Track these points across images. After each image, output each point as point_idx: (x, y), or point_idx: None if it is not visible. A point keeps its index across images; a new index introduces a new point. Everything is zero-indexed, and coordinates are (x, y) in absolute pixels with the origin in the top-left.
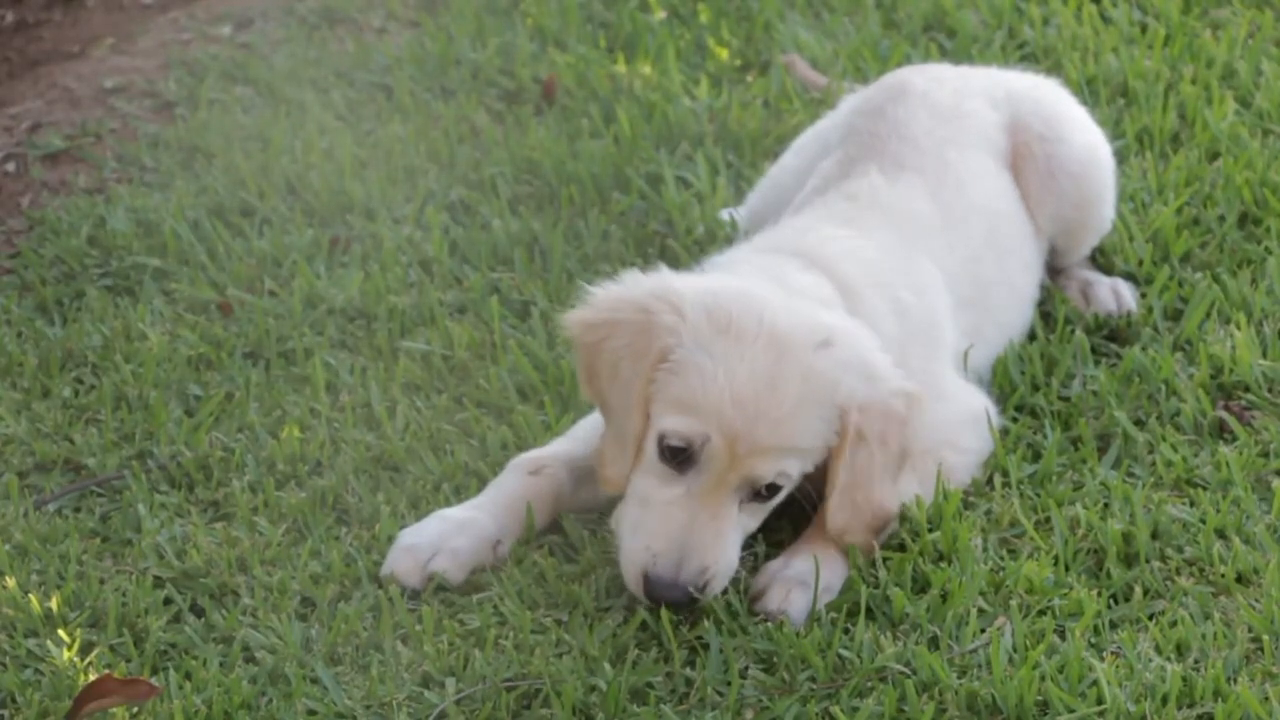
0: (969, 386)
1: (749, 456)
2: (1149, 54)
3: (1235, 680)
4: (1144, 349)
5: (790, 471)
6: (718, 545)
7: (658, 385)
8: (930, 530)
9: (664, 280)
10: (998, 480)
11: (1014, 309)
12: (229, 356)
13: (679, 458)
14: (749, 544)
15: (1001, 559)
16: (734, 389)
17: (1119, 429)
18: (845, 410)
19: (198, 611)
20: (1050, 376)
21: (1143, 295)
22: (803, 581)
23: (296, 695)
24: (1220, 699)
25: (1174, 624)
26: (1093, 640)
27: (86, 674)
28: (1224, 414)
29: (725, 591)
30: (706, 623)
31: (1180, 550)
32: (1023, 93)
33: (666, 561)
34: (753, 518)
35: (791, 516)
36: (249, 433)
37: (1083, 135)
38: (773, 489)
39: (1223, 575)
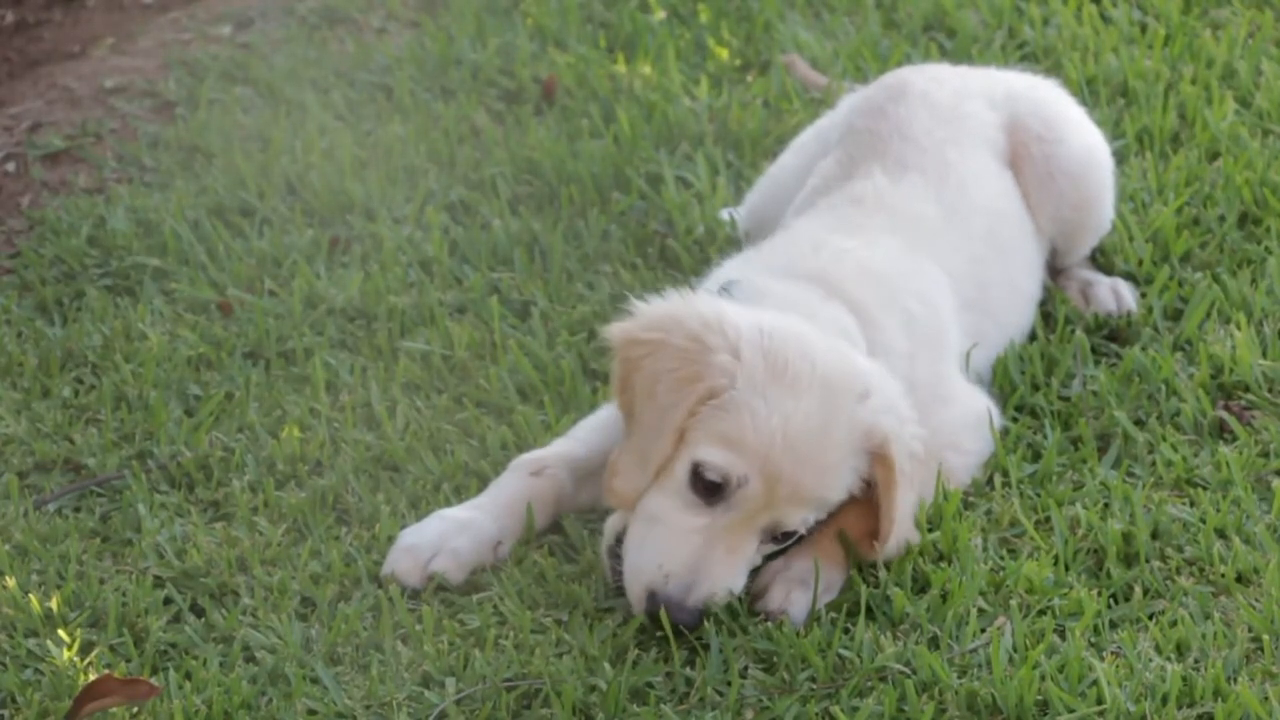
0: (972, 388)
1: (786, 503)
2: (1149, 54)
3: (1235, 680)
4: (1144, 349)
5: (812, 519)
6: (729, 576)
7: (702, 418)
8: (930, 530)
9: (718, 310)
10: (998, 480)
11: (1015, 309)
12: (229, 356)
13: (711, 491)
14: None
15: (1001, 559)
16: (786, 434)
17: (1119, 429)
18: (889, 454)
19: (198, 611)
20: (1050, 376)
21: (1143, 295)
22: (803, 581)
23: (296, 695)
24: (1220, 699)
25: (1174, 624)
26: (1093, 640)
27: (86, 674)
28: (1224, 414)
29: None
30: (706, 623)
31: (1180, 550)
32: (1021, 93)
33: (679, 584)
34: (760, 554)
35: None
36: (249, 433)
37: (1081, 136)
38: (790, 534)
39: (1223, 575)
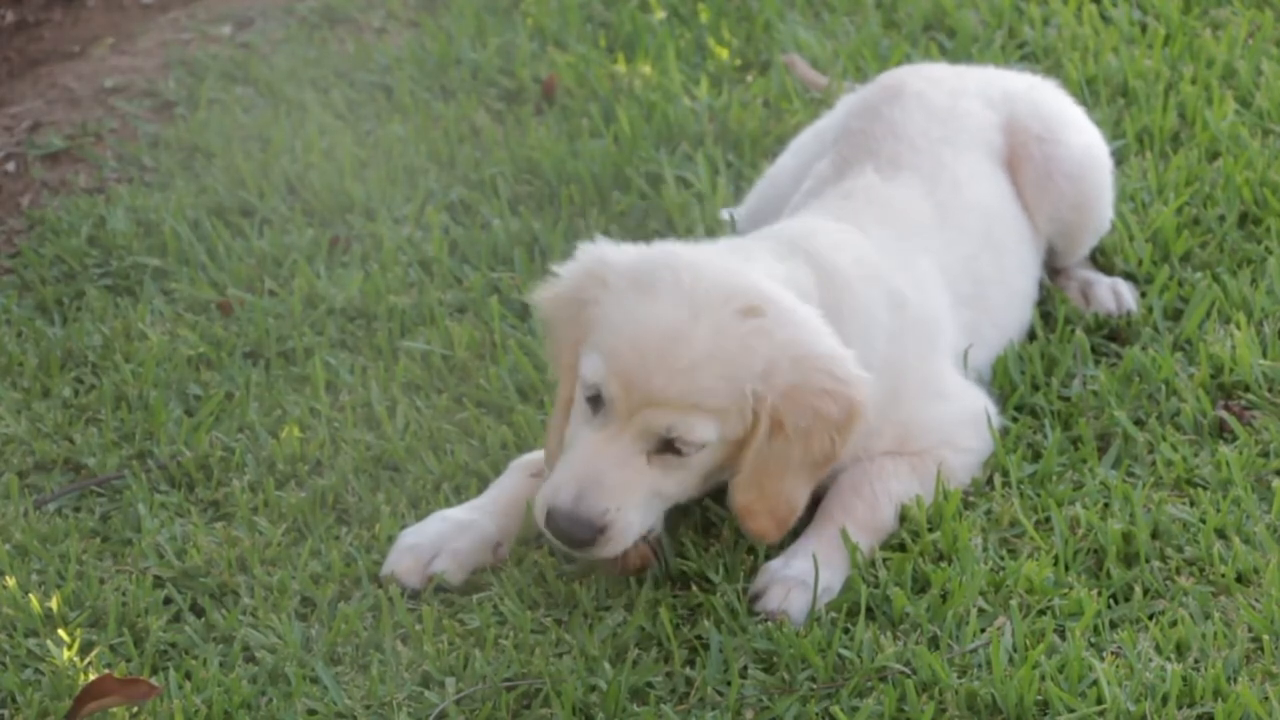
0: (970, 386)
1: (645, 406)
2: (1149, 54)
3: (1235, 680)
4: (1144, 349)
5: (697, 431)
6: (621, 491)
7: (583, 345)
8: (930, 530)
9: (599, 251)
10: (998, 480)
11: (1012, 309)
12: (229, 356)
13: (595, 404)
14: (749, 541)
15: (1001, 559)
16: (636, 335)
17: (1119, 429)
18: (761, 393)
19: (198, 611)
20: (1050, 376)
21: (1143, 295)
22: (803, 581)
23: (296, 695)
24: (1220, 699)
25: (1174, 624)
26: (1093, 640)
27: (86, 674)
28: (1224, 414)
29: (724, 592)
30: (706, 623)
31: (1180, 550)
32: (1020, 93)
33: (566, 493)
34: (670, 478)
35: None
36: (249, 433)
37: (1080, 136)
38: (684, 446)
39: (1223, 575)
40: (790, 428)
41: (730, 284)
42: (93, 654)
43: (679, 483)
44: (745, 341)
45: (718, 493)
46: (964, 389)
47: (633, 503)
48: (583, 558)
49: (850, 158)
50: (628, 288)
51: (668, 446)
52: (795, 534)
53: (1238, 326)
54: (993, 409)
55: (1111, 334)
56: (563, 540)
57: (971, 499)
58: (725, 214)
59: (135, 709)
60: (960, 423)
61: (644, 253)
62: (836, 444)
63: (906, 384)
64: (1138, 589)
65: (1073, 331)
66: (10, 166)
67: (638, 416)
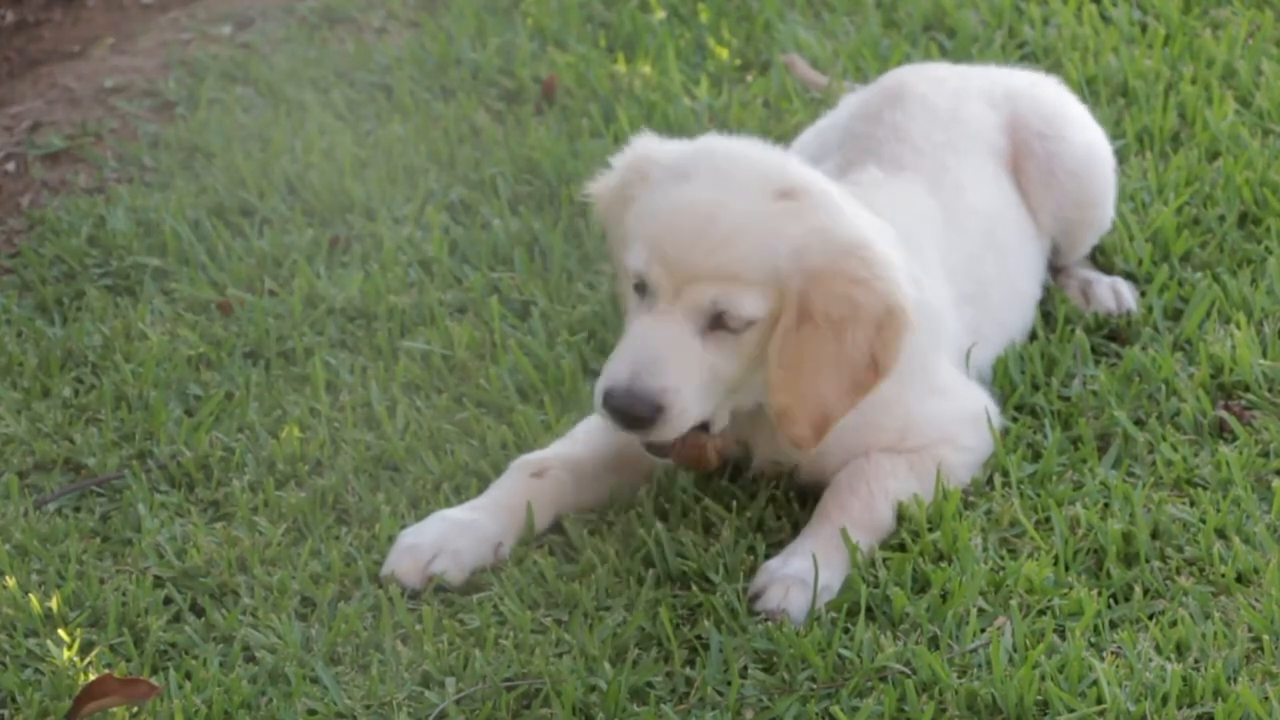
0: (970, 384)
1: (687, 283)
2: (1149, 54)
3: (1235, 680)
4: (1144, 349)
5: (742, 303)
6: (677, 368)
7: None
8: (930, 530)
9: (643, 146)
10: (998, 480)
11: (1014, 309)
12: (229, 356)
13: (642, 290)
14: (749, 541)
15: (1001, 559)
16: (672, 218)
17: (1119, 429)
18: (787, 273)
19: (198, 611)
20: (1050, 376)
21: (1143, 295)
22: (802, 580)
23: (296, 695)
24: (1220, 699)
25: (1174, 624)
26: (1093, 640)
27: (86, 674)
28: (1224, 414)
29: (724, 592)
30: (706, 623)
31: (1180, 550)
32: (1022, 90)
33: (622, 371)
34: (724, 358)
35: (791, 516)
36: (249, 433)
37: (1083, 133)
38: (732, 320)
39: (1223, 575)
40: (820, 316)
41: (767, 168)
42: (93, 654)
43: (733, 362)
44: (776, 221)
45: (718, 493)
46: (965, 387)
47: (690, 381)
48: (642, 440)
49: (854, 160)
50: (667, 178)
51: (719, 323)
52: (795, 533)
53: (1238, 326)
54: (994, 409)
55: (1111, 334)
56: (621, 420)
57: (971, 499)
58: None
59: (135, 709)
60: (960, 420)
61: (684, 145)
62: (876, 349)
63: (909, 372)
64: (1138, 589)
65: (1073, 331)
66: (10, 166)
67: (683, 294)
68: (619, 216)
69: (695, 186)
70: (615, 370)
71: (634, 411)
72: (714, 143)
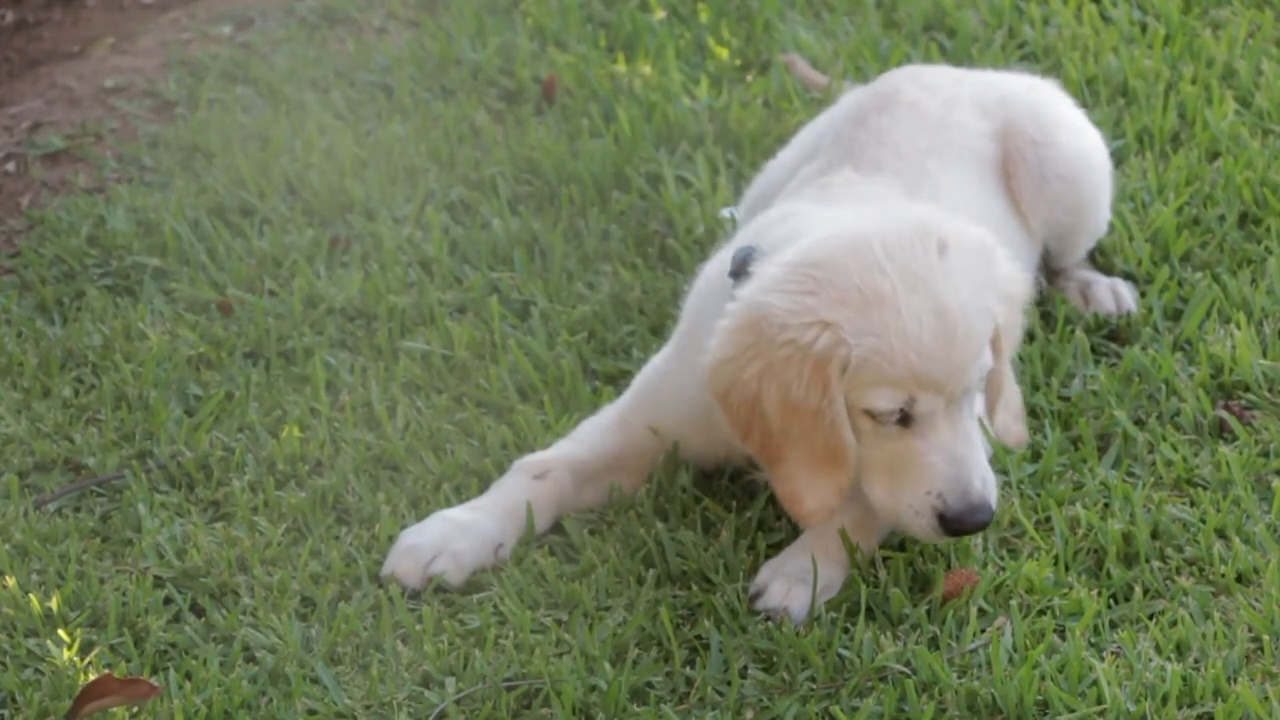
0: None
1: (951, 383)
2: (1149, 54)
3: (1235, 680)
4: (1144, 349)
5: (985, 364)
6: (977, 455)
7: (847, 388)
8: None
9: (762, 302)
10: (998, 480)
11: None
12: (229, 356)
13: (901, 419)
14: (749, 541)
15: (1001, 559)
16: (915, 344)
17: (1119, 429)
18: (999, 312)
19: (198, 611)
20: (1050, 376)
21: (1142, 295)
22: (802, 578)
23: (296, 695)
24: (1220, 699)
25: (1174, 624)
26: (1093, 640)
27: (86, 674)
28: (1224, 414)
29: (724, 592)
30: (706, 622)
31: (1180, 550)
32: (1017, 95)
33: (955, 491)
34: (972, 418)
35: (791, 515)
36: (249, 433)
37: (1076, 139)
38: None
39: (1223, 575)
40: (1007, 328)
41: (906, 240)
42: (93, 654)
43: (974, 411)
44: (971, 276)
45: (718, 493)
46: None
47: (984, 459)
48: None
49: (834, 161)
50: (858, 312)
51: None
52: (795, 533)
53: (1238, 326)
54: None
55: (1111, 334)
56: (973, 531)
57: None
58: (726, 212)
59: (135, 709)
60: None
61: (808, 272)
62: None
63: None
64: (1138, 589)
65: (1072, 332)
66: (10, 166)
67: (951, 396)
68: (812, 379)
69: (908, 303)
70: (947, 494)
71: (985, 519)
72: (851, 253)
